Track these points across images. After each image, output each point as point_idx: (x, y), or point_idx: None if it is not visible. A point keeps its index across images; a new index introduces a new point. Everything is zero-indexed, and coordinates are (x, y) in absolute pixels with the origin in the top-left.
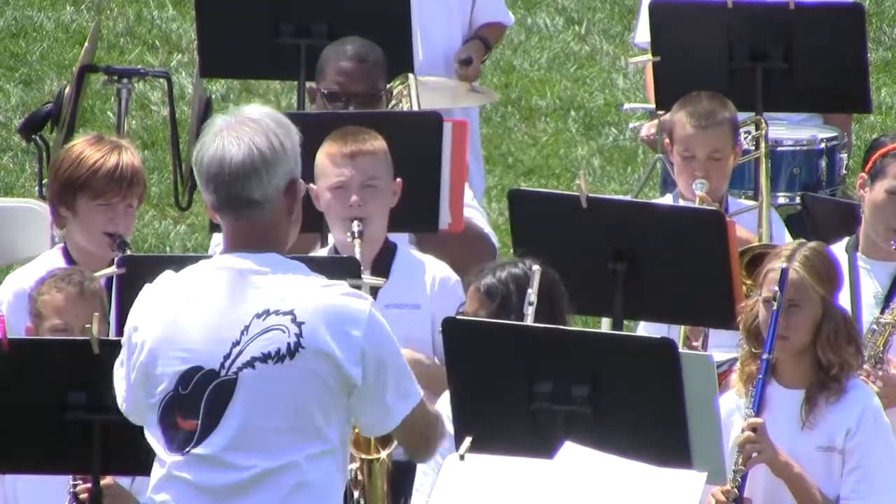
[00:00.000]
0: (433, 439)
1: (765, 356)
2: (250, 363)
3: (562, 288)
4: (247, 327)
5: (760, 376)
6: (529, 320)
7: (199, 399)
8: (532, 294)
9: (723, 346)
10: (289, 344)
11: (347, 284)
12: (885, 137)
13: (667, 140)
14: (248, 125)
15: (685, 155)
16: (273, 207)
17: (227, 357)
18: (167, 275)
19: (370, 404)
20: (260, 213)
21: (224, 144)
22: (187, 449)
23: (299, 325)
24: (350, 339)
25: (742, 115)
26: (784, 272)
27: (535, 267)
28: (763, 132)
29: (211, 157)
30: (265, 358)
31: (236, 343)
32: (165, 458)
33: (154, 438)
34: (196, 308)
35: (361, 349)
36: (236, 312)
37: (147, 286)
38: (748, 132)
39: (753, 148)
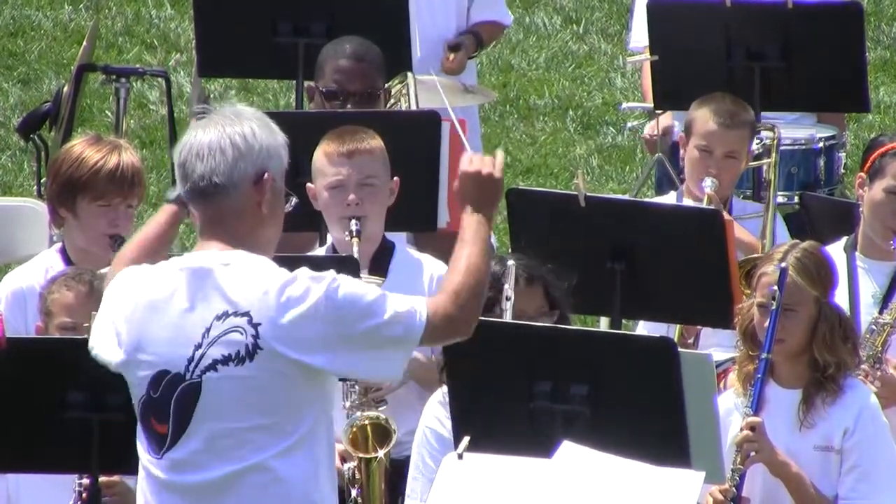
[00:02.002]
0: (461, 322)
1: (763, 356)
2: (212, 366)
3: (559, 280)
4: (208, 329)
5: (759, 376)
6: (508, 316)
7: (168, 403)
8: (509, 290)
9: (722, 345)
10: (247, 346)
11: (307, 270)
12: (884, 136)
13: (681, 134)
14: (226, 117)
15: (703, 149)
16: (239, 195)
17: (190, 360)
18: (132, 274)
19: (360, 367)
20: (226, 197)
21: (196, 134)
22: (161, 452)
23: (255, 326)
24: (306, 331)
25: None
26: (783, 271)
27: (511, 262)
28: (776, 140)
29: (182, 145)
30: (226, 360)
31: (198, 346)
32: (144, 460)
33: (138, 439)
34: (160, 311)
35: (322, 337)
36: (198, 314)
37: (114, 284)
38: (760, 138)
39: (762, 153)
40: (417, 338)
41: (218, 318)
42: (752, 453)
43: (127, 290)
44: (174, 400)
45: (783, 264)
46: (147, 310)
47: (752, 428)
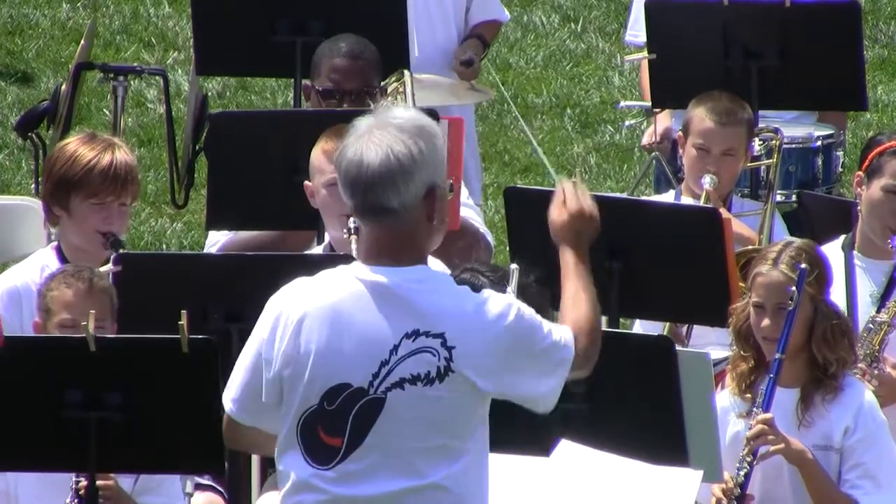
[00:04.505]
0: (592, 358)
1: (777, 356)
2: (399, 384)
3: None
4: (396, 347)
5: (772, 376)
6: None
7: (346, 416)
8: (511, 294)
9: (721, 343)
10: (439, 368)
11: (492, 291)
12: (882, 135)
13: (679, 133)
14: (389, 130)
15: (700, 148)
16: (411, 216)
17: (375, 376)
18: (304, 285)
19: (519, 392)
20: (398, 220)
21: (363, 150)
22: (332, 465)
23: (449, 349)
24: (492, 356)
25: None
26: (802, 272)
27: (514, 266)
28: (779, 142)
29: (349, 161)
30: (414, 380)
31: (385, 363)
32: (304, 469)
33: (289, 448)
34: (342, 323)
35: (500, 362)
36: (386, 330)
37: (280, 296)
38: (764, 139)
39: (763, 154)
40: (570, 366)
41: (408, 335)
42: (770, 447)
43: (297, 297)
44: (353, 414)
45: (802, 265)
46: (326, 320)
47: (764, 423)
